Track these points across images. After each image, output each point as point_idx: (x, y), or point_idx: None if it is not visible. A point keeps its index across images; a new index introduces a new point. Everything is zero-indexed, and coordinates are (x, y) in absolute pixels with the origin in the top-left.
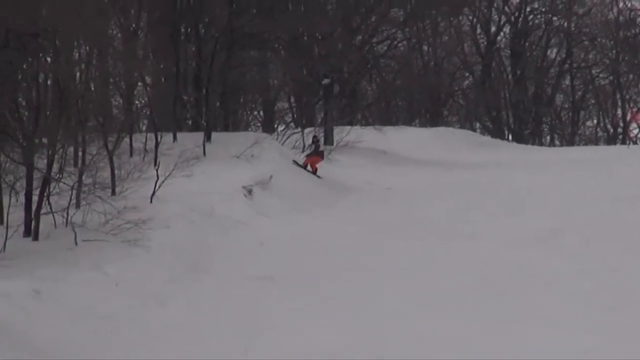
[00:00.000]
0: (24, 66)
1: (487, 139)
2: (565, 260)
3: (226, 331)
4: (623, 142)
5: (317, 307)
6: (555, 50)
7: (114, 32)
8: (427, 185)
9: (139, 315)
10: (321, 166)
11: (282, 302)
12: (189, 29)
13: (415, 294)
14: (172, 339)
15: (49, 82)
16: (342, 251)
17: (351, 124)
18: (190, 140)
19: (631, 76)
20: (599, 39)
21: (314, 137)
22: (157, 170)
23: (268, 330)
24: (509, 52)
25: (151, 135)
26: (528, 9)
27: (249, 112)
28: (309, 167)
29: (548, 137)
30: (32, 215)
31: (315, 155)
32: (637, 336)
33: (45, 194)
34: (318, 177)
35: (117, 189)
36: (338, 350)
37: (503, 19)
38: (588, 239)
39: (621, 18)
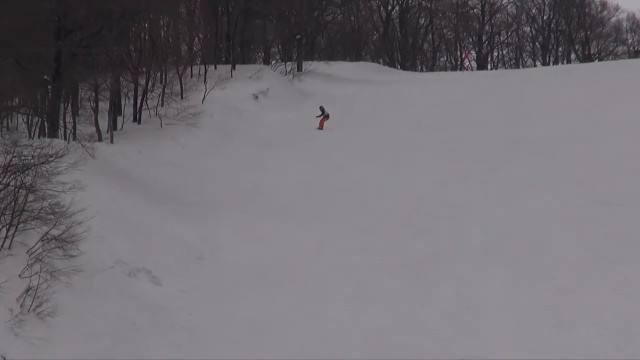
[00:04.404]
0: (132, 29)
1: (387, 68)
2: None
3: (244, 172)
4: (460, 70)
5: (296, 156)
6: (424, 20)
7: (182, 10)
8: (355, 94)
9: (196, 164)
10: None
11: (275, 155)
12: (222, 8)
13: (353, 150)
14: (213, 176)
15: (146, 37)
16: (312, 126)
17: (312, 60)
18: (224, 69)
19: (465, 33)
20: (447, 13)
21: (321, 107)
22: (205, 85)
23: (266, 170)
24: (398, 20)
25: (202, 67)
26: None
27: (256, 54)
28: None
29: (419, 67)
30: (137, 110)
31: (325, 117)
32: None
33: (144, 98)
34: (319, 129)
35: (184, 95)
36: (306, 179)
37: (395, 2)
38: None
39: (459, 1)
